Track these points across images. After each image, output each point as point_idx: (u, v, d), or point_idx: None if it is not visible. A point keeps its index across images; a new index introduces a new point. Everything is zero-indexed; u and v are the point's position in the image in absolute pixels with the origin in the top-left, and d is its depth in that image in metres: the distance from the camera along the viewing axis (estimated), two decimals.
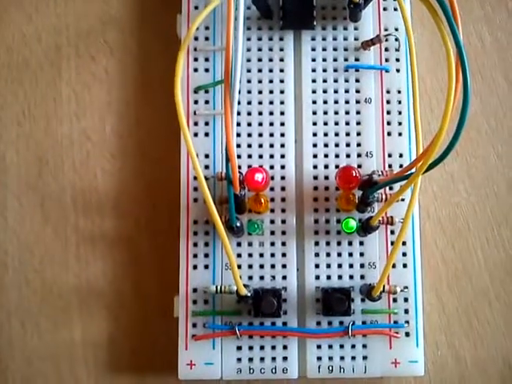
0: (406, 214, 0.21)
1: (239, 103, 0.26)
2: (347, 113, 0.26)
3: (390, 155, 0.26)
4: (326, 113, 0.26)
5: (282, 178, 0.26)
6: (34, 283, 0.27)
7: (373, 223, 0.23)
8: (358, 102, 0.26)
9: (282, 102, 0.26)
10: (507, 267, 0.27)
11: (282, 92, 0.26)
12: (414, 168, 0.21)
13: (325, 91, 0.26)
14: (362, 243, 0.25)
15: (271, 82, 0.26)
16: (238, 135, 0.26)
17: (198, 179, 0.21)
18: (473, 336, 0.26)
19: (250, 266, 0.25)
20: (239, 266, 0.25)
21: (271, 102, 0.26)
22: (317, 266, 0.25)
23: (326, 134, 0.26)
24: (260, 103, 0.26)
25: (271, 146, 0.26)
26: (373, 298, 0.23)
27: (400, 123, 0.26)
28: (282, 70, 0.26)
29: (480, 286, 0.27)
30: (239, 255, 0.25)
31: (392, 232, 0.25)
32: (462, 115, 0.19)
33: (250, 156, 0.26)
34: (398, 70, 0.26)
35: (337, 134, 0.26)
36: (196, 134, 0.26)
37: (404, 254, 0.25)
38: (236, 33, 0.21)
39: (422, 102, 0.27)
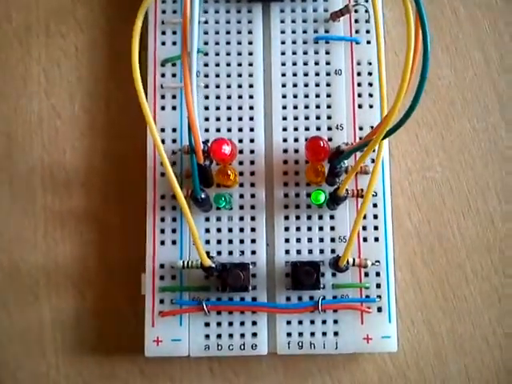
0: (370, 182, 0.21)
1: (207, 76, 0.25)
2: (317, 85, 0.25)
3: (360, 128, 0.25)
4: (295, 85, 0.25)
5: (252, 151, 0.25)
6: (2, 263, 0.26)
7: (340, 193, 0.23)
8: (328, 74, 0.26)
9: (250, 75, 0.25)
10: (484, 242, 0.26)
11: (250, 65, 0.26)
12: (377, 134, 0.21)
13: (294, 63, 0.26)
14: (332, 217, 0.25)
15: (240, 54, 0.26)
16: (206, 108, 0.25)
17: (157, 149, 0.21)
18: (449, 312, 0.26)
19: (219, 241, 0.25)
20: (207, 241, 0.25)
21: (240, 75, 0.25)
22: (287, 240, 0.25)
23: (295, 107, 0.25)
24: (228, 76, 0.25)
25: (240, 119, 0.25)
26: (340, 268, 0.23)
27: (371, 95, 0.25)
28: (250, 43, 0.26)
29: (456, 261, 0.26)
30: (207, 230, 0.25)
31: None
32: (423, 73, 0.18)
33: (218, 130, 0.25)
34: (368, 42, 0.26)
35: (307, 107, 0.25)
36: (163, 108, 0.25)
37: (375, 228, 0.25)
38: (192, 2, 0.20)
39: (394, 76, 0.27)
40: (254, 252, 0.25)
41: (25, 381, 0.25)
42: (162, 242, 0.25)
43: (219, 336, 0.24)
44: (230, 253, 0.25)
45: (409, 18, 0.19)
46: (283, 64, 0.26)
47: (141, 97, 0.20)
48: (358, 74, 0.26)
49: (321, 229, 0.25)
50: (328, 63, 0.26)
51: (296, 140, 0.25)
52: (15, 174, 0.27)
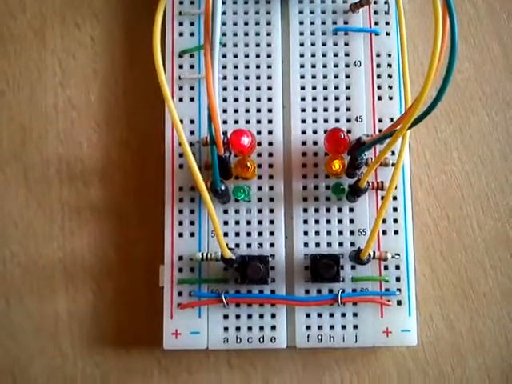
0: (393, 174, 0.21)
1: (225, 67, 0.25)
2: (336, 77, 0.25)
3: (380, 120, 0.25)
4: (314, 77, 0.25)
5: (270, 143, 0.25)
6: (17, 256, 0.26)
7: (361, 185, 0.23)
8: (347, 65, 0.25)
9: (269, 66, 0.25)
10: (503, 236, 0.26)
11: (269, 56, 0.25)
12: (400, 125, 0.20)
13: (313, 55, 0.25)
14: (351, 210, 0.25)
15: (258, 45, 0.25)
16: (225, 100, 0.25)
17: (180, 140, 0.21)
18: (468, 307, 0.26)
19: (237, 234, 0.24)
20: (226, 234, 0.24)
21: (258, 66, 0.25)
22: (305, 233, 0.24)
23: (314, 99, 0.25)
24: (247, 67, 0.25)
25: (258, 110, 0.25)
26: (361, 260, 0.23)
27: (390, 87, 0.25)
28: (269, 34, 0.25)
29: (475, 255, 0.26)
30: (226, 222, 0.25)
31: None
32: (450, 65, 0.18)
33: (236, 121, 0.25)
34: (387, 33, 0.26)
35: (325, 99, 0.25)
36: (181, 99, 0.25)
37: (395, 221, 0.25)
38: None
39: (413, 67, 0.27)
40: (272, 244, 0.24)
41: (38, 374, 0.25)
42: (181, 234, 0.24)
43: (238, 329, 0.24)
44: (249, 245, 0.24)
45: (436, 9, 0.18)
46: (302, 55, 0.25)
47: (165, 92, 0.19)
48: (378, 66, 0.25)
49: (340, 221, 0.24)
50: (347, 55, 0.25)
51: (315, 132, 0.25)
52: (30, 166, 0.26)
